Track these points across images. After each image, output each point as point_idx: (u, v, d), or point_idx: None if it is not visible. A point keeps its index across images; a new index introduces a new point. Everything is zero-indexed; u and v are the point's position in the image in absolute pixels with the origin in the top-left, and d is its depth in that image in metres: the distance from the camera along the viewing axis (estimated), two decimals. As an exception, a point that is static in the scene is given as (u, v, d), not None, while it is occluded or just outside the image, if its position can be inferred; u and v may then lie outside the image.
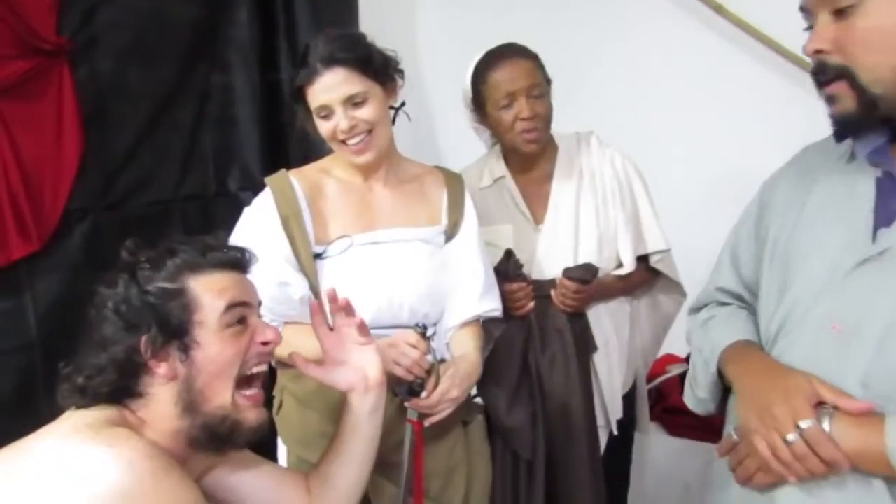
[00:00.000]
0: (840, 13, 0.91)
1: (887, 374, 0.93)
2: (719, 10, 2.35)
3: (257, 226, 1.53)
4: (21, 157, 1.91)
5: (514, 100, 1.72)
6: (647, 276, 1.86)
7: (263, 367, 1.14)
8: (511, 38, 1.83)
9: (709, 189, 2.45)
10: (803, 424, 0.95)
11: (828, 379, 0.97)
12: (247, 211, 1.57)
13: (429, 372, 1.41)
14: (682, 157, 2.42)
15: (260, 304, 1.17)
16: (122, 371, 1.03)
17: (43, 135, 1.97)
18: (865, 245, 0.96)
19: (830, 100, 0.96)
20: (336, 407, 1.50)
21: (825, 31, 0.93)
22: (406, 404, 1.43)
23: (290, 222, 1.50)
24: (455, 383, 1.44)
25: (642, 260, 1.83)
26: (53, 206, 2.00)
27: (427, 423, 1.45)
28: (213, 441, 1.07)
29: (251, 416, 1.09)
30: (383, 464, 1.50)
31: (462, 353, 1.54)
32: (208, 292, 1.07)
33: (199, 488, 1.03)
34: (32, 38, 1.89)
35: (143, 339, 1.03)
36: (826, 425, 0.94)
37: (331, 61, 1.45)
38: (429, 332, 1.47)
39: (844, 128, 0.97)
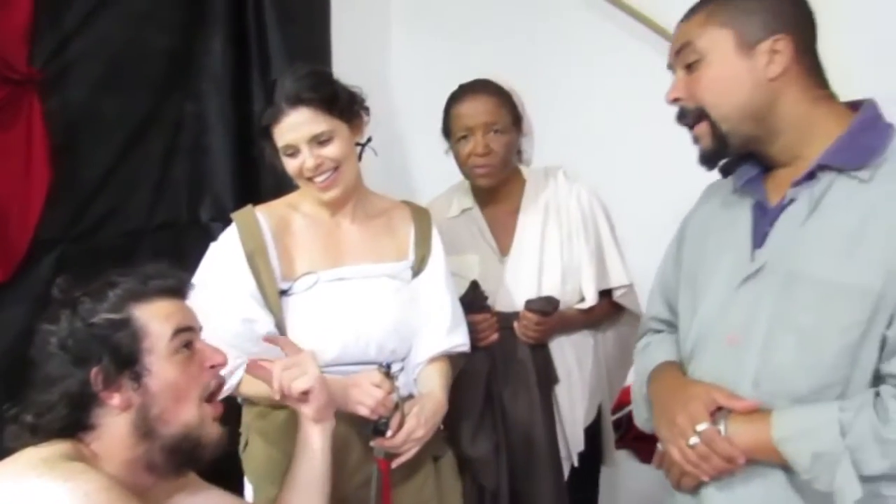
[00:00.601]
0: (689, 67, 1.11)
1: (771, 375, 1.07)
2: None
3: (223, 262, 1.52)
4: (-11, 187, 1.91)
5: (471, 134, 1.76)
6: (610, 310, 1.89)
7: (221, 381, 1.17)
8: (482, 71, 1.88)
9: (674, 223, 2.49)
10: (700, 428, 1.08)
11: (729, 386, 1.10)
12: (212, 246, 1.57)
13: (394, 410, 1.41)
14: (647, 190, 2.45)
15: (201, 328, 1.17)
16: (74, 405, 1.03)
17: (11, 165, 1.95)
18: (746, 264, 1.11)
19: (696, 140, 1.14)
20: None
21: (680, 83, 1.13)
22: (372, 444, 1.43)
23: (256, 258, 1.49)
24: (421, 423, 1.43)
25: (606, 294, 1.86)
26: (21, 236, 1.98)
27: (394, 463, 1.44)
28: (175, 461, 1.07)
29: (213, 429, 1.11)
30: (351, 502, 1.49)
31: (428, 390, 1.54)
32: (154, 319, 1.08)
33: None
34: (2, 68, 1.89)
35: (94, 371, 1.03)
36: (721, 427, 1.07)
37: (296, 101, 1.46)
38: (395, 368, 1.48)
39: (706, 162, 1.14)
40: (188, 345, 1.10)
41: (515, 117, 1.81)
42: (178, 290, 1.15)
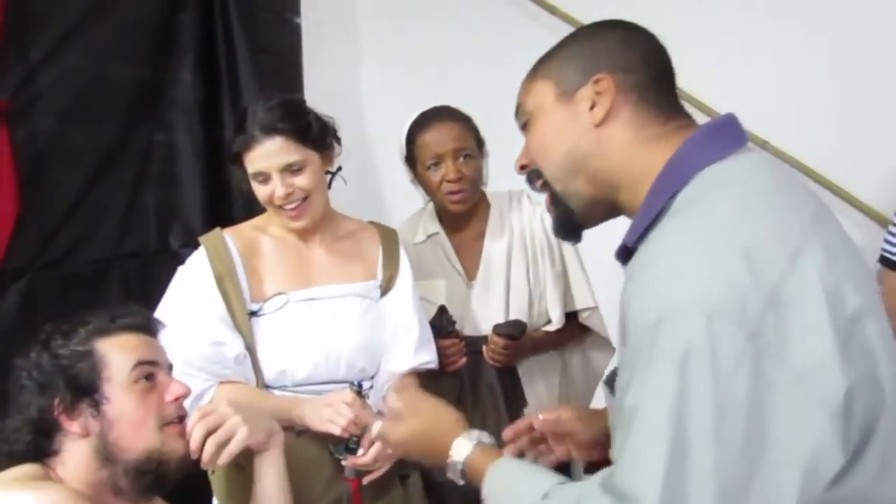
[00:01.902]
0: (524, 129, 1.02)
1: None
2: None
3: (191, 285, 1.54)
4: (-46, 219, 1.90)
5: (441, 161, 1.78)
6: (576, 332, 1.92)
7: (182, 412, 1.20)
8: (453, 98, 1.90)
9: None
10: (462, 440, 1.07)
11: None
12: (180, 270, 1.58)
13: (365, 429, 1.42)
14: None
15: (171, 367, 1.22)
16: (37, 430, 1.09)
17: (-22, 196, 1.95)
18: None
19: (547, 208, 1.04)
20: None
21: (524, 148, 1.02)
22: (343, 463, 1.44)
23: (225, 281, 1.52)
24: None
25: (572, 316, 1.88)
26: (-12, 266, 1.98)
27: (365, 480, 1.46)
28: (141, 483, 1.12)
29: (177, 446, 1.16)
30: (322, 522, 1.51)
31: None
32: (116, 350, 1.14)
33: None
34: (-29, 100, 1.90)
35: (56, 399, 1.09)
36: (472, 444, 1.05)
37: (270, 130, 1.48)
38: (365, 388, 1.49)
39: (558, 233, 1.05)
40: (149, 377, 1.15)
41: (479, 141, 1.83)
42: (145, 327, 1.21)
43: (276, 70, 2.58)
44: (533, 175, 1.02)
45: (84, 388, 1.10)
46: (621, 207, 0.96)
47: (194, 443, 1.20)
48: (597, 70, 0.94)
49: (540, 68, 1.00)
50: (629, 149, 0.93)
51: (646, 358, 0.76)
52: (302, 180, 1.51)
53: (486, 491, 0.99)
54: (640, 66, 0.94)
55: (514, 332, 1.77)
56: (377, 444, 1.42)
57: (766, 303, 0.74)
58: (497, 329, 1.78)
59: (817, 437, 0.74)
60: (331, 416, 1.41)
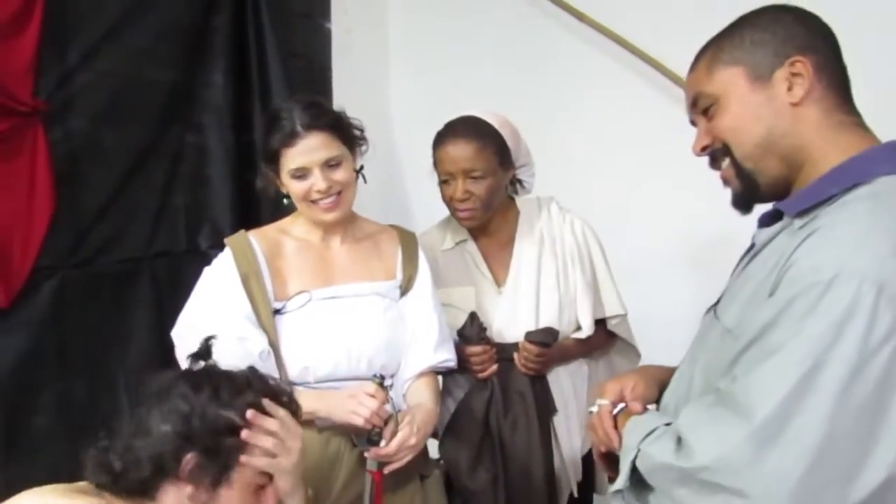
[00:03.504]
0: (706, 112, 1.08)
1: (675, 407, 1.09)
2: (678, 81, 2.46)
3: (217, 284, 1.57)
4: (-8, 215, 1.94)
5: (452, 179, 1.78)
6: (604, 339, 1.91)
7: None
8: (481, 102, 1.91)
9: (664, 254, 2.52)
10: (600, 401, 1.19)
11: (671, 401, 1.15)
12: (206, 270, 1.61)
13: (387, 422, 1.45)
14: (638, 221, 2.50)
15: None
16: (158, 471, 1.05)
17: (15, 194, 1.98)
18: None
19: (725, 183, 1.10)
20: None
21: (703, 131, 1.10)
22: (366, 454, 1.46)
23: (250, 280, 1.55)
24: (413, 431, 1.48)
25: (599, 323, 1.87)
26: (22, 264, 2.00)
27: (386, 470, 1.47)
28: None
29: None
30: (343, 517, 1.53)
31: (418, 402, 1.59)
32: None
33: None
34: (9, 100, 1.93)
35: (191, 454, 1.05)
36: (617, 409, 1.16)
37: (311, 126, 1.53)
38: (386, 383, 1.51)
39: (737, 205, 1.10)
40: (267, 482, 1.14)
41: (502, 157, 1.79)
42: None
43: (305, 74, 2.61)
44: (717, 153, 1.08)
45: (220, 465, 1.07)
46: (794, 185, 1.04)
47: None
48: (790, 53, 1.01)
49: (721, 55, 1.06)
50: (821, 129, 1.02)
51: (808, 307, 0.86)
52: (340, 175, 1.56)
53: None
54: (822, 48, 1.03)
55: (546, 340, 1.76)
56: (400, 435, 1.45)
57: None
58: (530, 336, 1.77)
59: None
60: (354, 407, 1.44)
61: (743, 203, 1.09)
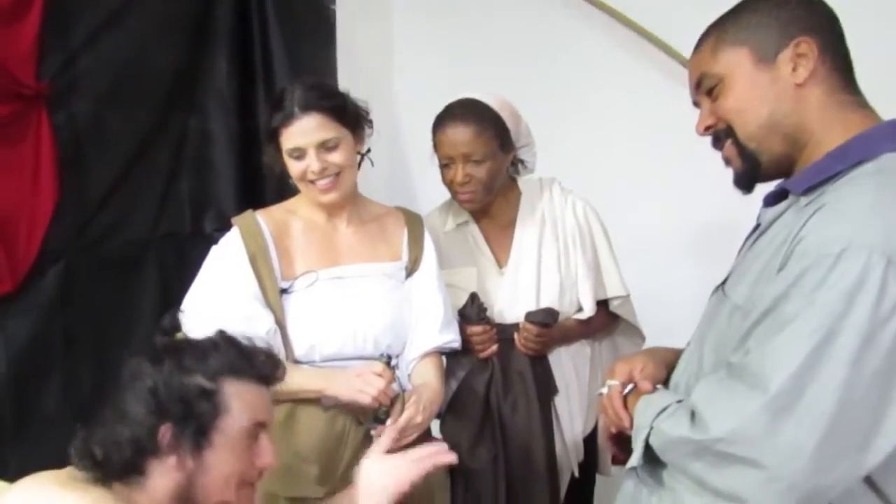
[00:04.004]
0: (710, 93, 1.09)
1: (687, 385, 1.11)
2: (683, 62, 2.45)
3: (225, 263, 1.59)
4: (-4, 200, 1.95)
5: (452, 162, 1.77)
6: (606, 321, 1.91)
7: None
8: (485, 84, 1.89)
9: (668, 236, 2.52)
10: (610, 382, 1.19)
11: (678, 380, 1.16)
12: (214, 249, 1.62)
13: (393, 401, 1.47)
14: (642, 205, 2.49)
15: (271, 422, 1.21)
16: (138, 450, 1.06)
17: (20, 177, 2.00)
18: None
19: (727, 162, 1.11)
20: (302, 439, 1.55)
21: (706, 111, 1.11)
22: (373, 433, 1.48)
23: (258, 260, 1.57)
24: (419, 410, 1.50)
25: (602, 304, 1.88)
26: (28, 247, 2.02)
27: (392, 447, 1.48)
28: None
29: None
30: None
31: (424, 381, 1.60)
32: (239, 401, 1.12)
33: None
34: (13, 84, 1.94)
35: (165, 426, 1.06)
36: (626, 389, 1.16)
37: (308, 107, 1.53)
38: (392, 363, 1.53)
39: (739, 185, 1.11)
40: (255, 437, 1.14)
41: (502, 140, 1.78)
42: (271, 379, 1.19)
43: (310, 56, 2.60)
44: (721, 134, 1.09)
45: (197, 428, 1.08)
46: (797, 164, 1.05)
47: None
48: (795, 34, 1.02)
49: (726, 36, 1.07)
50: (824, 109, 1.03)
51: (819, 279, 0.88)
52: (336, 157, 1.56)
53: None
54: (826, 29, 1.04)
55: (546, 320, 1.76)
56: (406, 414, 1.47)
57: None
58: (530, 317, 1.77)
59: None
60: (361, 386, 1.46)
61: (745, 182, 1.10)
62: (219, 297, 1.55)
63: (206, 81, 2.44)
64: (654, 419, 1.02)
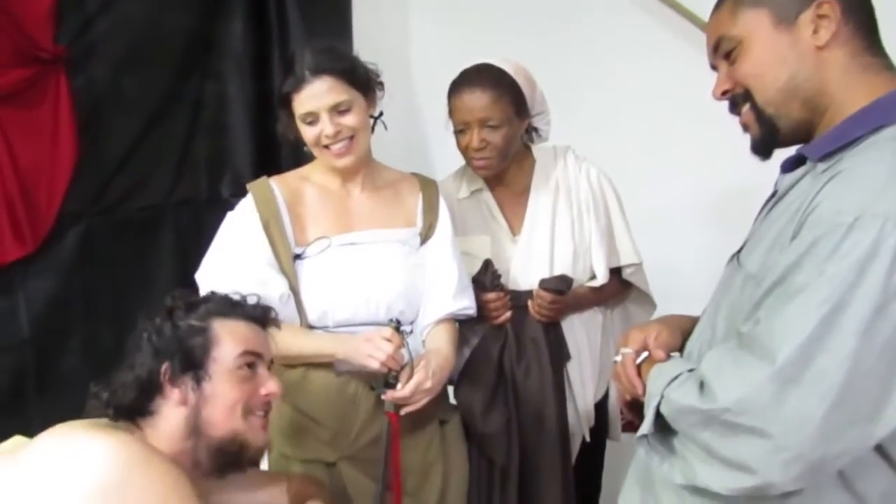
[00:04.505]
0: (729, 57, 1.06)
1: (699, 354, 1.09)
2: (702, 27, 2.41)
3: (239, 229, 1.60)
4: (18, 162, 1.98)
5: (467, 128, 1.77)
6: (619, 288, 1.91)
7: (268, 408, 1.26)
8: (500, 48, 1.87)
9: (683, 205, 2.51)
10: (624, 350, 1.19)
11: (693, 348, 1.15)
12: (229, 215, 1.64)
13: (404, 367, 1.48)
14: (658, 174, 2.48)
15: (272, 361, 1.30)
16: (142, 389, 1.18)
17: (39, 141, 2.02)
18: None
19: (745, 128, 1.09)
20: (314, 402, 1.58)
21: (724, 75, 1.08)
22: (382, 397, 1.50)
23: (271, 225, 1.58)
24: (429, 375, 1.50)
25: (615, 272, 1.88)
26: (48, 209, 2.05)
27: (402, 412, 1.51)
28: (218, 461, 1.19)
29: (259, 435, 1.23)
30: (361, 460, 1.58)
31: (436, 347, 1.61)
32: (229, 335, 1.23)
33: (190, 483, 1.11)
34: (31, 48, 1.95)
35: (165, 365, 1.18)
36: (640, 358, 1.16)
37: (318, 70, 1.53)
38: (404, 328, 1.54)
39: (757, 151, 1.09)
40: (251, 366, 1.24)
41: (517, 106, 1.78)
42: (260, 319, 1.30)
43: (325, 19, 2.58)
44: (738, 99, 1.07)
45: (192, 362, 1.19)
46: (817, 129, 1.02)
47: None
48: None
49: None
50: (846, 73, 0.99)
51: (831, 248, 0.87)
52: (349, 119, 1.56)
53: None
54: None
55: (560, 287, 1.77)
56: (415, 379, 1.48)
57: None
58: (544, 284, 1.78)
59: None
60: (370, 350, 1.47)
61: (763, 148, 1.08)
62: (233, 262, 1.57)
63: (221, 44, 2.44)
64: (665, 388, 1.02)
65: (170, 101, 2.33)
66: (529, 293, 1.81)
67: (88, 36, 2.12)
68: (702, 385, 0.96)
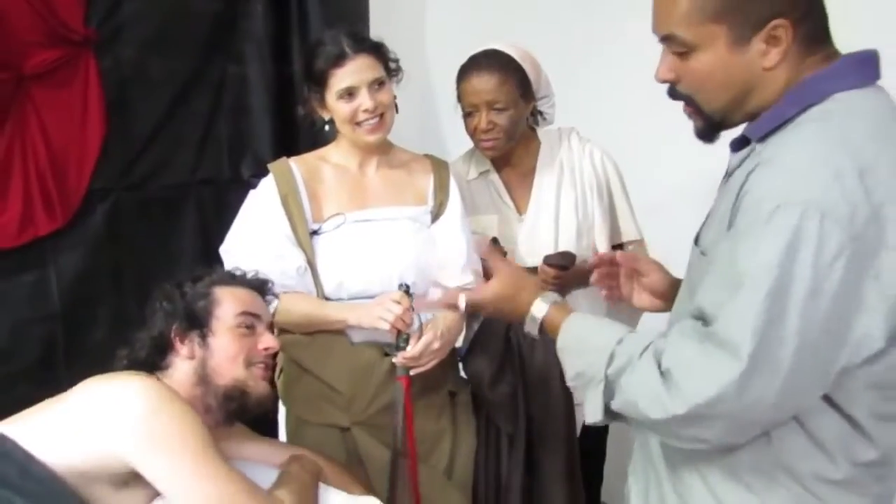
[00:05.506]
0: (678, 53, 1.03)
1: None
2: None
3: (260, 205, 1.69)
4: (49, 139, 2.07)
5: (475, 111, 1.84)
6: (621, 265, 1.97)
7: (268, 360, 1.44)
8: (516, 36, 1.94)
9: (684, 184, 2.53)
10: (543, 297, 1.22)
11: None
12: (251, 193, 1.73)
13: (414, 331, 1.56)
14: (665, 157, 2.51)
15: (271, 324, 1.45)
16: (156, 346, 1.37)
17: (69, 119, 2.10)
18: None
19: (689, 117, 1.10)
20: (331, 370, 1.65)
21: (669, 64, 1.05)
22: (393, 360, 1.57)
23: (289, 202, 1.66)
24: (437, 335, 1.58)
25: (617, 248, 1.93)
26: (77, 186, 2.14)
27: (413, 372, 1.59)
28: (227, 407, 1.36)
29: (259, 384, 1.39)
30: (374, 426, 1.65)
31: (443, 312, 1.66)
32: (229, 298, 1.41)
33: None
34: (62, 29, 2.03)
35: (174, 324, 1.37)
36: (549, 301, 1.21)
37: (359, 48, 1.62)
38: (414, 292, 1.60)
39: (701, 138, 1.10)
40: (250, 326, 1.40)
41: (523, 90, 1.85)
42: (258, 287, 1.48)
43: (342, 4, 2.63)
44: (676, 93, 1.06)
45: (197, 321, 1.37)
46: (753, 113, 1.03)
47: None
48: (773, 16, 0.96)
49: (706, 9, 0.98)
50: (791, 80, 1.00)
51: (759, 236, 0.90)
52: (384, 96, 1.65)
53: (561, 341, 1.15)
54: (802, 3, 0.98)
55: (563, 263, 1.83)
56: (424, 338, 1.56)
57: (870, 215, 0.89)
58: (547, 259, 1.84)
59: (869, 323, 0.91)
60: (381, 312, 1.54)
61: (706, 137, 1.09)
62: (254, 236, 1.66)
63: (243, 27, 2.49)
64: (605, 369, 1.02)
65: (193, 82, 2.39)
66: (535, 270, 1.87)
67: (116, 18, 2.19)
68: (665, 378, 0.95)
